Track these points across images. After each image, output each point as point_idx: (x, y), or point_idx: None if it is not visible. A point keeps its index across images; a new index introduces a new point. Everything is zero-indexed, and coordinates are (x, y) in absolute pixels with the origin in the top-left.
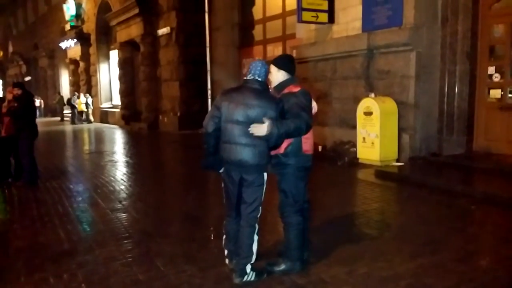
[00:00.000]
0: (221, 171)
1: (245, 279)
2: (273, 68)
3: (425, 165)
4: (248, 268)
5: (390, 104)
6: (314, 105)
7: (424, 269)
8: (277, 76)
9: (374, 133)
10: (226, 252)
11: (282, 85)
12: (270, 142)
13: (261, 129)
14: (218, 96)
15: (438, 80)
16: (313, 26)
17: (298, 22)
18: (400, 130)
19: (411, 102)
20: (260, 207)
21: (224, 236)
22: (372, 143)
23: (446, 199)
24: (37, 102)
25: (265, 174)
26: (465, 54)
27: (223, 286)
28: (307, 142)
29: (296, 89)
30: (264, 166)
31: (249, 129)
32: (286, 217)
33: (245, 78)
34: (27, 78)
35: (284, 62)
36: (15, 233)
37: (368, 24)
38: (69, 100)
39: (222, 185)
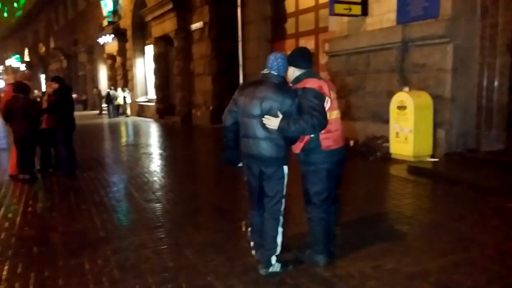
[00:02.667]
0: (240, 165)
1: (270, 270)
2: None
3: (461, 161)
4: (273, 259)
5: (425, 99)
6: (331, 98)
7: (454, 266)
8: (289, 72)
9: (408, 128)
10: (252, 243)
11: (297, 79)
12: (287, 136)
13: (272, 122)
14: (236, 91)
15: (477, 74)
16: (345, 18)
17: (330, 15)
18: (436, 125)
19: (448, 96)
20: (283, 200)
21: (250, 228)
22: (406, 138)
23: (481, 196)
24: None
25: (285, 167)
26: (506, 46)
27: (249, 276)
28: (328, 138)
29: (309, 84)
30: (283, 159)
31: (262, 119)
32: (309, 213)
33: (262, 72)
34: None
35: (292, 57)
36: (54, 220)
37: (403, 16)
38: (108, 95)
39: (245, 178)
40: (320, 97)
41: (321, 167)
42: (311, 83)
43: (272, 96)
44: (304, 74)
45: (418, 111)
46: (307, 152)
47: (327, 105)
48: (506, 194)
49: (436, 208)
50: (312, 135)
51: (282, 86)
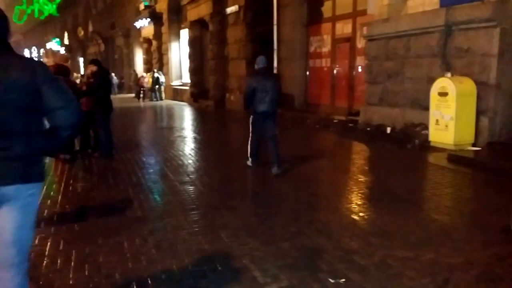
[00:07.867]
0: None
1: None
2: None
3: (505, 150)
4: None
5: (468, 85)
6: None
7: (498, 259)
8: None
9: (449, 115)
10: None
11: None
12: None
13: None
14: (249, 79)
15: None
16: (385, 1)
17: None
18: (479, 112)
19: (492, 83)
20: None
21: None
22: (446, 125)
23: None
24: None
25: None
26: None
27: (284, 262)
28: None
29: None
30: (276, 112)
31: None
32: None
33: (259, 67)
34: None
35: None
36: (93, 199)
37: None
38: (157, 79)
39: (251, 125)
40: None
41: None
42: None
43: (271, 77)
44: None
45: (460, 98)
46: None
47: None
48: None
49: (477, 198)
50: None
51: (271, 72)
